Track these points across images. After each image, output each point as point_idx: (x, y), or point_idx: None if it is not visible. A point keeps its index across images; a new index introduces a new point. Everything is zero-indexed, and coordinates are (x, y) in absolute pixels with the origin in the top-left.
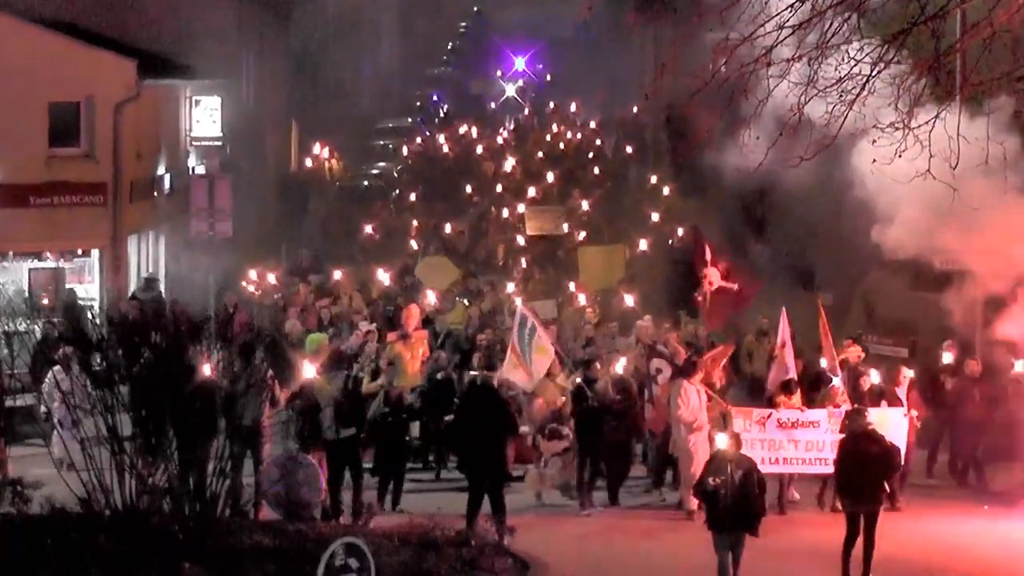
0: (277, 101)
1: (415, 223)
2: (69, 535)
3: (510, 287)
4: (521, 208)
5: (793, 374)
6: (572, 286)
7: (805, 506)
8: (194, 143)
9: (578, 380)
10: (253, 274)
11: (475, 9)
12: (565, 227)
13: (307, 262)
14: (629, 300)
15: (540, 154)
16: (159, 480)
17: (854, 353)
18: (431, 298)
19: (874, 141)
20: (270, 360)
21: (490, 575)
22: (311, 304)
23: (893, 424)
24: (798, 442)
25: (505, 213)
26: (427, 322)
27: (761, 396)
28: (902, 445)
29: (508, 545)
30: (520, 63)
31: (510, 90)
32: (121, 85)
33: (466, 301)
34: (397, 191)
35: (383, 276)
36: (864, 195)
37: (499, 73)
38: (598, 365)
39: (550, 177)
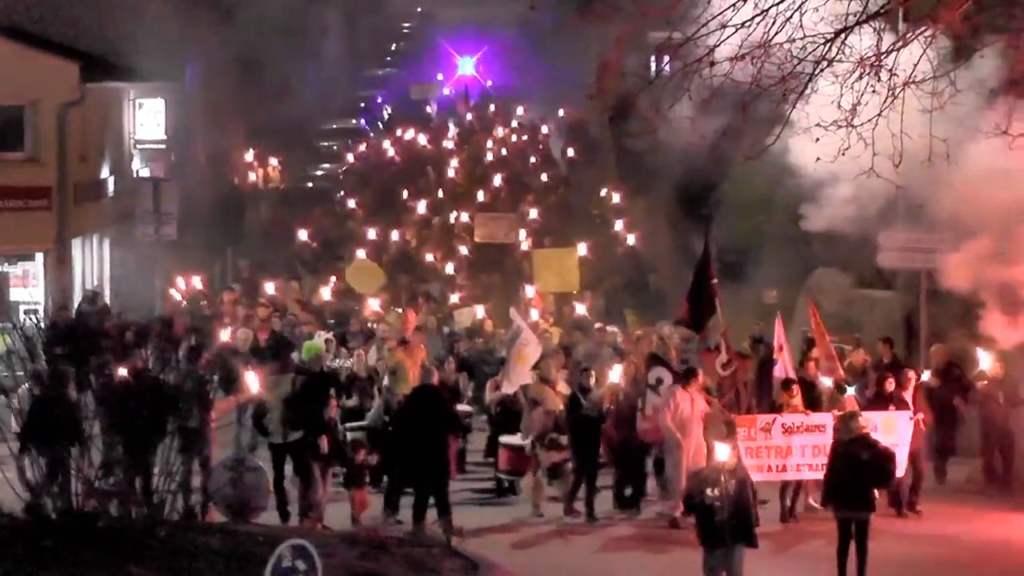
0: (221, 103)
1: (370, 233)
2: (15, 539)
3: (453, 298)
4: (465, 217)
5: (792, 374)
6: (531, 291)
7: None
8: (138, 146)
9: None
10: (181, 281)
11: (418, 9)
12: (523, 234)
13: (247, 272)
14: (580, 309)
15: (489, 157)
16: (106, 483)
17: (859, 357)
18: (374, 305)
19: (817, 139)
20: (219, 370)
21: (438, 575)
22: (268, 316)
23: (900, 428)
24: (804, 447)
25: (452, 219)
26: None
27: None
28: (905, 450)
29: (456, 545)
30: (463, 65)
31: (451, 93)
32: (65, 88)
33: (399, 310)
34: (342, 192)
35: (326, 292)
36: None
37: (440, 76)
38: (593, 373)
39: (497, 180)
